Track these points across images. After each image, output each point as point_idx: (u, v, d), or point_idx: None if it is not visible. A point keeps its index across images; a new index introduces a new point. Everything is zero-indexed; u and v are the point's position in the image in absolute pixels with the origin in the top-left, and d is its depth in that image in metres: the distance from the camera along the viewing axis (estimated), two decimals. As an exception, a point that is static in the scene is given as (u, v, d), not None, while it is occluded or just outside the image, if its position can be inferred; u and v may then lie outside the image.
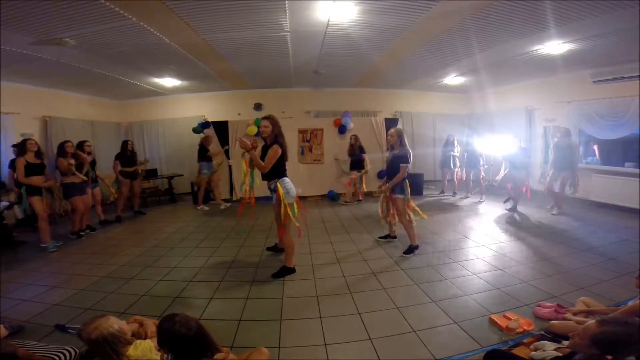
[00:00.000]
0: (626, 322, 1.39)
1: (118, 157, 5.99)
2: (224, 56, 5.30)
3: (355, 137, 6.88)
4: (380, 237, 4.29)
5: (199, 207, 6.67)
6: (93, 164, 5.45)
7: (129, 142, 6.21)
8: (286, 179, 3.19)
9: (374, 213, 5.86)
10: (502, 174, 6.03)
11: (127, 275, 3.34)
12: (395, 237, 4.21)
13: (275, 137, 3.13)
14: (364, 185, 6.89)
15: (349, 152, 6.94)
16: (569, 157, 5.13)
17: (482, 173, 6.70)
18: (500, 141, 6.44)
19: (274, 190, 3.20)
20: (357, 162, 6.83)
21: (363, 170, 6.80)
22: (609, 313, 2.06)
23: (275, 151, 3.04)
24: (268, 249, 3.98)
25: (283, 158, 3.16)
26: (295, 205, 3.20)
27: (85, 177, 4.85)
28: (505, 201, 5.99)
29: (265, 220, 5.49)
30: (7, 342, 1.57)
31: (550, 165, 5.43)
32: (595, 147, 6.59)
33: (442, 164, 7.48)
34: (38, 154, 4.26)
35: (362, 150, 6.84)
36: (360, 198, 6.98)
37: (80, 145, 5.27)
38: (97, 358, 1.59)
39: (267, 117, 3.18)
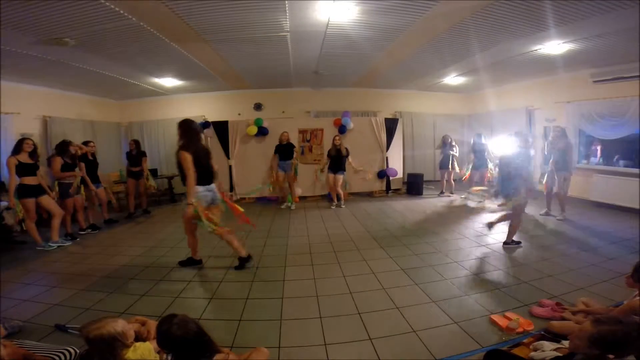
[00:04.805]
0: (620, 321, 1.40)
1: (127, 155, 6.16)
2: (224, 56, 5.31)
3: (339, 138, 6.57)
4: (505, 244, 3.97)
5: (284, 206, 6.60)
6: (95, 165, 5.46)
7: (131, 142, 6.32)
8: None
9: (373, 213, 5.87)
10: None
11: (127, 275, 3.34)
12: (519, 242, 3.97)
13: None
14: (339, 189, 6.50)
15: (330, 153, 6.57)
16: (566, 157, 5.06)
17: (489, 173, 6.66)
18: (501, 141, 6.46)
19: None
20: (336, 163, 6.47)
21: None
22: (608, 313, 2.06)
23: None
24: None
25: None
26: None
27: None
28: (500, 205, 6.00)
29: (264, 220, 5.49)
30: None
31: (549, 167, 5.37)
32: (598, 148, 6.59)
33: (440, 165, 7.46)
34: (32, 154, 4.24)
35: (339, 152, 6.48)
36: (336, 201, 6.56)
37: (84, 145, 5.30)
38: (96, 358, 1.59)
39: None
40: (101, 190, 5.54)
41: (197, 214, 3.14)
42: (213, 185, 3.40)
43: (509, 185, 3.78)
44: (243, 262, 3.44)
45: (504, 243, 3.95)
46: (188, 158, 3.10)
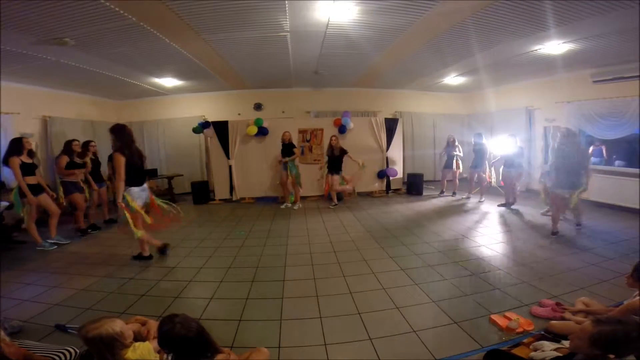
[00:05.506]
0: (619, 321, 1.40)
1: None
2: (224, 56, 5.30)
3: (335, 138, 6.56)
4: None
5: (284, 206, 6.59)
6: (98, 164, 5.46)
7: None
8: None
9: (373, 213, 5.87)
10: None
11: (127, 275, 3.34)
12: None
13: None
14: (338, 188, 6.50)
15: (327, 153, 6.59)
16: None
17: (489, 173, 6.64)
18: (499, 141, 6.47)
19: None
20: (334, 163, 6.48)
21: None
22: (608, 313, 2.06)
23: None
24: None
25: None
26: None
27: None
28: (500, 205, 6.03)
29: (264, 220, 5.49)
30: None
31: (555, 171, 5.07)
32: (603, 148, 6.57)
33: (445, 165, 7.39)
34: (30, 153, 4.27)
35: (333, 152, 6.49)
36: (335, 201, 6.58)
37: (86, 145, 5.30)
38: (95, 358, 1.58)
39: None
40: (104, 190, 5.55)
41: (130, 213, 3.44)
42: (145, 186, 3.67)
43: (568, 179, 4.16)
44: (138, 258, 3.77)
45: (577, 225, 4.54)
46: (122, 160, 3.32)
